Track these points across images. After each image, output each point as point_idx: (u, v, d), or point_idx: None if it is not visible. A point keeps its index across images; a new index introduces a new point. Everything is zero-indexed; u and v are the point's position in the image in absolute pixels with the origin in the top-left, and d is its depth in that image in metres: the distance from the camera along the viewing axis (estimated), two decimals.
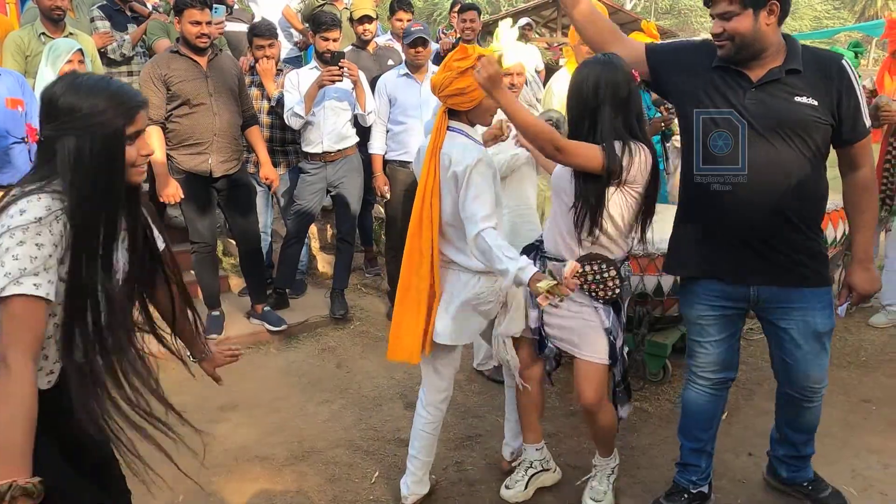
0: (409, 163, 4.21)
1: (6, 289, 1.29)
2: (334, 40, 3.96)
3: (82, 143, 1.38)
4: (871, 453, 2.87)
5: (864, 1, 32.61)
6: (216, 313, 4.01)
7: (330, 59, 3.86)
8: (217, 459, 2.84)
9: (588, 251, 2.27)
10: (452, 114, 2.31)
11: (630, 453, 2.90)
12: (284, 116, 4.04)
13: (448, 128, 2.31)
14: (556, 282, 1.98)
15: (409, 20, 4.92)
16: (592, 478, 2.58)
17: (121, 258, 1.53)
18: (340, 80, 3.88)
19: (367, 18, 4.56)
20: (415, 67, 4.15)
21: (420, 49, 4.06)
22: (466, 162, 2.20)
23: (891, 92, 4.02)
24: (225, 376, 2.00)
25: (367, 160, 4.32)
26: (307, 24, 4.79)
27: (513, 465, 2.75)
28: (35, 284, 1.31)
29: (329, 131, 4.08)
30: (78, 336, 1.41)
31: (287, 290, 4.37)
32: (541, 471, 2.67)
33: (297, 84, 4.02)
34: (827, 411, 3.23)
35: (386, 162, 4.29)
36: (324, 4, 5.01)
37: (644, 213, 2.29)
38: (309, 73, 4.05)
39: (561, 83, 3.69)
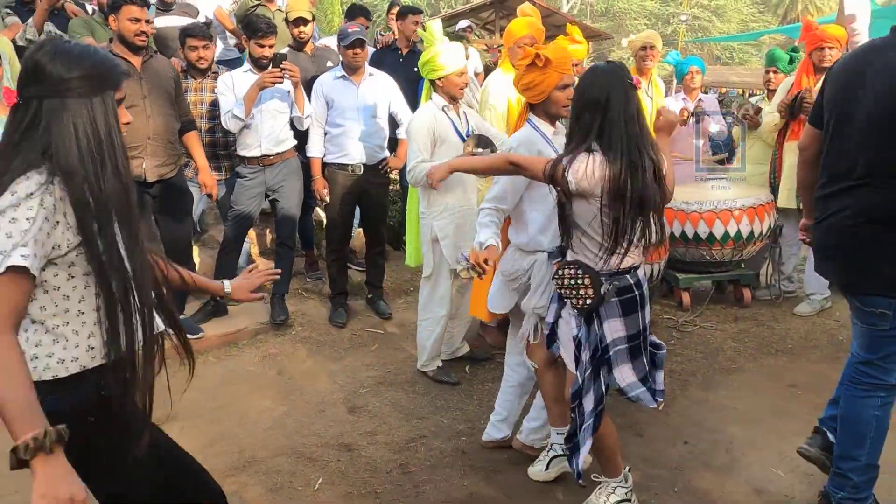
0: (348, 165, 4.18)
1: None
2: (270, 46, 3.89)
3: (77, 107, 1.38)
4: (798, 436, 2.98)
5: (787, 5, 34.15)
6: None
7: (271, 61, 3.81)
8: None
9: (573, 257, 2.27)
10: (531, 107, 2.63)
11: None
12: (221, 119, 3.94)
13: (527, 119, 2.63)
14: (470, 265, 2.31)
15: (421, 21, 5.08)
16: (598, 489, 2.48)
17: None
18: (281, 82, 3.83)
19: (301, 20, 4.51)
20: (352, 69, 4.12)
21: (358, 50, 4.03)
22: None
23: (811, 91, 4.22)
24: (160, 386, 1.94)
25: (305, 163, 4.27)
26: (240, 25, 4.70)
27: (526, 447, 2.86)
28: (22, 255, 1.30)
29: (267, 134, 4.01)
30: (117, 312, 1.42)
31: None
32: (561, 455, 2.64)
33: (231, 87, 3.94)
34: (756, 398, 3.40)
35: (325, 165, 4.25)
36: (257, 6, 4.93)
37: (625, 229, 2.13)
38: (243, 77, 3.97)
39: (497, 84, 3.73)
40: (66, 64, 1.38)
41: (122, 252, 1.43)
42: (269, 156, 4.04)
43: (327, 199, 4.24)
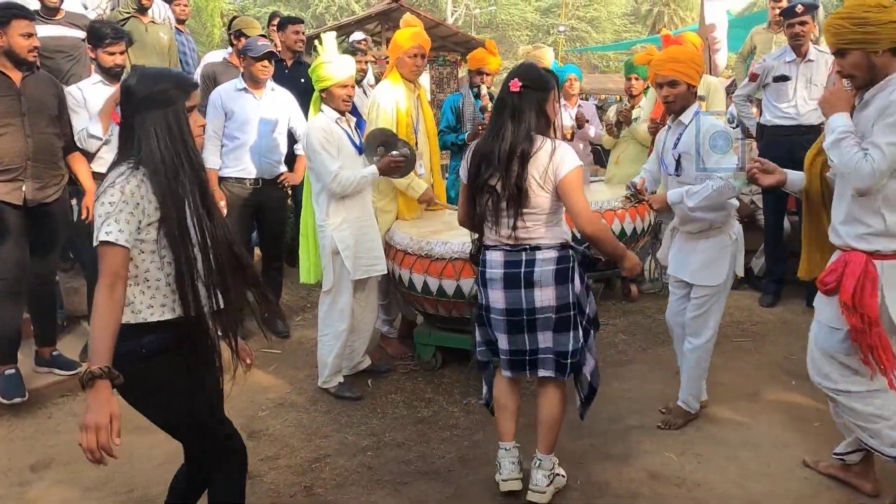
0: (245, 179, 4.04)
1: (96, 238, 1.70)
2: (121, 53, 3.64)
3: (156, 116, 1.78)
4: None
5: (655, 16, 36.61)
6: (10, 371, 3.38)
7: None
8: None
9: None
10: None
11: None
12: (76, 139, 3.56)
13: None
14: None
15: (302, 32, 5.04)
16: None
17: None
18: None
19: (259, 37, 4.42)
20: (255, 82, 4.01)
21: (268, 64, 3.95)
22: None
23: None
24: (35, 429, 1.83)
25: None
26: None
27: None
28: (107, 232, 1.69)
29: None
30: (187, 282, 1.77)
31: None
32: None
33: (82, 102, 3.58)
34: (647, 386, 3.57)
35: (221, 178, 4.09)
36: (128, 18, 4.66)
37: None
38: (94, 89, 3.63)
39: (384, 94, 3.72)
40: (146, 84, 1.79)
41: (194, 231, 1.79)
42: None
43: (223, 212, 4.07)
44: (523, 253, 2.43)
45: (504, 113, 2.41)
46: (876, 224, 2.24)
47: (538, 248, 2.43)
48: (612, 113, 5.12)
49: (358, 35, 8.46)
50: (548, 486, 2.58)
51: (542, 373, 2.53)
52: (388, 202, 3.82)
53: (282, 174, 4.18)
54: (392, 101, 3.67)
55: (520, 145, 2.35)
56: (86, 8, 4.81)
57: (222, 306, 1.85)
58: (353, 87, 3.42)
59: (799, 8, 4.34)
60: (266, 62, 3.95)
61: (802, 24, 4.35)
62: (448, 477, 2.79)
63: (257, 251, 4.83)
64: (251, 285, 1.97)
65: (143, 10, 4.72)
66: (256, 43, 3.98)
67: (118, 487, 2.79)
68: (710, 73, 4.96)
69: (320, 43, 3.38)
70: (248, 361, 2.06)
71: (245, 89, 4.02)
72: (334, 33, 3.65)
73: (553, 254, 2.43)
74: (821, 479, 2.69)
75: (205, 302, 1.81)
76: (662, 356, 3.94)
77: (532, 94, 2.39)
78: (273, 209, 4.22)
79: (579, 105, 5.23)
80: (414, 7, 16.85)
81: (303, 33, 5.10)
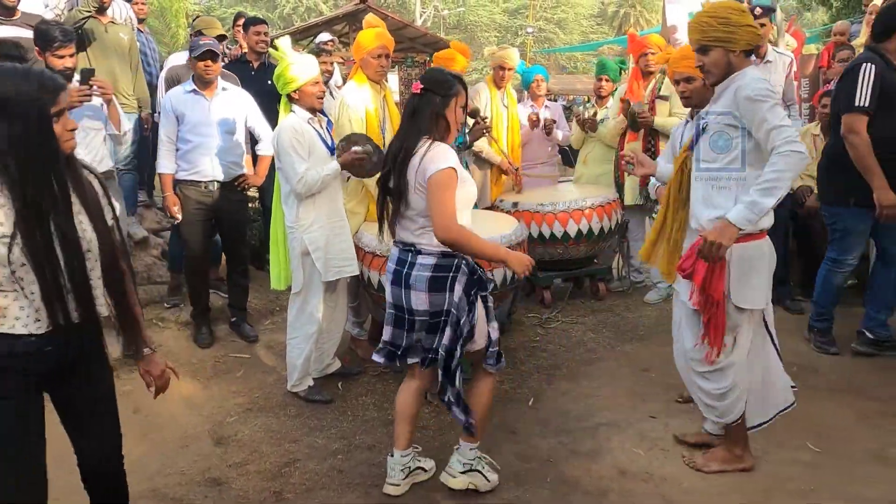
0: (200, 182, 3.99)
1: None
2: (70, 56, 3.56)
3: (10, 124, 1.62)
4: (654, 416, 3.22)
5: (621, 17, 37.06)
6: None
7: (80, 75, 3.51)
8: None
9: None
10: None
11: None
12: None
13: None
14: None
15: (265, 33, 4.98)
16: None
17: (87, 228, 1.79)
18: (90, 100, 3.53)
19: (219, 37, 4.44)
20: (203, 83, 3.95)
21: (210, 63, 3.87)
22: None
23: (640, 97, 4.58)
24: None
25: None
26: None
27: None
28: None
29: (83, 155, 3.67)
30: (49, 292, 1.70)
31: None
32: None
33: None
34: (616, 383, 3.61)
35: (178, 181, 4.03)
36: (87, 18, 4.56)
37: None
38: None
39: (352, 95, 3.70)
40: (4, 86, 1.64)
41: (56, 243, 1.69)
42: None
43: (178, 216, 4.02)
44: (409, 254, 2.46)
45: (405, 114, 2.48)
46: (728, 207, 2.39)
47: (420, 252, 2.44)
48: (581, 109, 5.18)
49: (325, 36, 8.38)
50: (461, 473, 2.61)
51: (409, 360, 2.59)
52: (356, 203, 3.80)
53: (241, 175, 4.13)
54: (360, 102, 3.65)
55: (405, 147, 2.41)
56: (46, 7, 4.70)
57: (78, 320, 1.76)
58: (322, 84, 3.41)
59: (757, 10, 4.43)
60: (209, 62, 3.87)
61: (761, 25, 4.44)
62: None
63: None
64: (117, 298, 1.88)
65: (102, 9, 4.62)
66: (198, 42, 3.91)
67: (80, 499, 2.71)
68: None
69: (276, 48, 3.36)
70: (158, 385, 2.07)
71: (195, 91, 3.95)
72: (288, 36, 3.61)
73: (431, 260, 2.42)
74: (783, 471, 2.75)
75: (61, 315, 1.73)
76: (631, 353, 4.00)
77: (431, 98, 2.41)
78: (232, 212, 4.14)
79: (546, 106, 5.27)
80: (382, 8, 16.82)
81: (265, 34, 5.05)
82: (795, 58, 5.31)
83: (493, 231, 3.59)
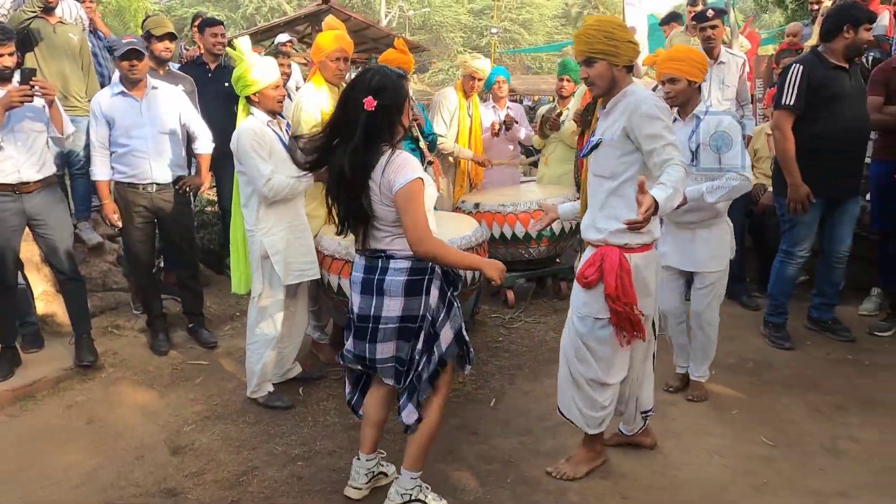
0: (138, 185, 3.91)
1: None
2: (10, 55, 3.45)
3: None
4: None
5: (584, 19, 37.51)
6: None
7: (21, 74, 3.41)
8: None
9: None
10: None
11: None
12: None
13: None
14: None
15: (221, 34, 4.92)
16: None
17: None
18: (31, 101, 3.43)
19: (168, 36, 4.31)
20: (131, 83, 3.84)
21: (135, 62, 3.76)
22: None
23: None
24: None
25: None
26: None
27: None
28: None
29: (25, 159, 3.57)
30: None
31: (17, 345, 3.80)
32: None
33: None
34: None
35: (116, 184, 3.94)
36: (33, 18, 4.43)
37: None
38: None
39: (309, 98, 3.66)
40: None
41: None
42: (29, 182, 3.57)
43: (118, 223, 3.93)
44: (379, 261, 2.38)
45: (358, 132, 2.28)
46: (626, 215, 2.42)
47: (392, 257, 2.37)
48: (542, 111, 5.20)
49: (283, 37, 8.26)
50: None
51: (385, 381, 2.49)
52: (316, 206, 3.75)
53: (182, 177, 4.04)
54: (316, 105, 3.61)
55: (366, 164, 2.28)
56: None
57: None
58: (282, 87, 3.37)
59: (710, 13, 4.53)
60: (134, 61, 3.75)
61: (714, 27, 4.54)
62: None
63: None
64: None
65: (48, 9, 4.47)
66: (121, 42, 3.81)
67: None
68: (633, 75, 5.10)
69: (234, 48, 3.30)
70: None
71: (123, 93, 3.85)
72: (248, 37, 3.54)
73: (405, 264, 2.35)
74: (738, 465, 2.81)
75: None
76: None
77: (387, 111, 2.28)
78: (174, 215, 4.03)
79: (508, 107, 5.29)
80: (346, 8, 16.69)
81: (222, 35, 4.97)
82: (749, 59, 5.43)
83: (455, 232, 3.59)
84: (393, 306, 2.36)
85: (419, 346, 2.38)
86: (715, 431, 3.08)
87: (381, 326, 2.39)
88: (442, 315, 2.40)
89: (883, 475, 2.72)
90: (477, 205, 4.65)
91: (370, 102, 2.25)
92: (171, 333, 4.27)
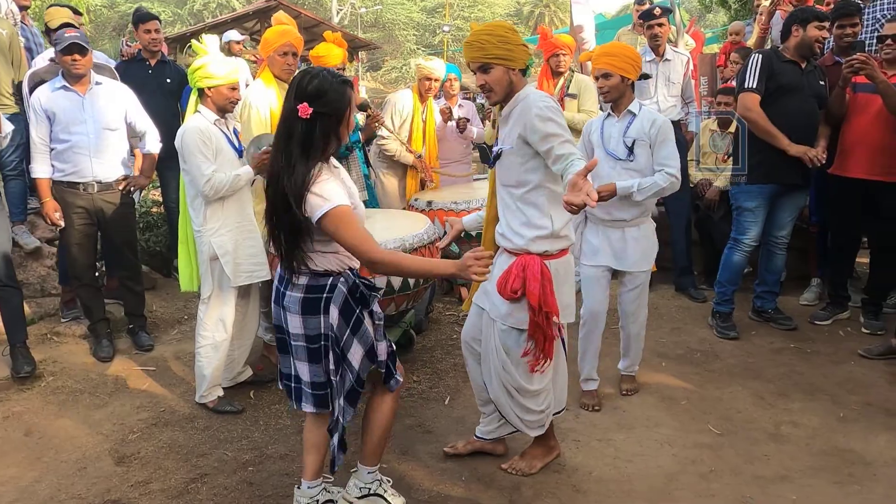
0: (79, 184, 3.78)
1: None
2: None
3: None
4: (567, 408, 3.27)
5: (536, 17, 37.91)
6: None
7: None
8: None
9: None
10: None
11: None
12: None
13: None
14: None
15: (156, 30, 4.80)
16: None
17: None
18: None
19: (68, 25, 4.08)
20: (74, 78, 3.71)
21: (77, 57, 3.63)
22: None
23: (549, 93, 4.67)
24: None
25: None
26: None
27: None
28: None
29: None
30: None
31: None
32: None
33: None
34: None
35: (55, 183, 3.80)
36: None
37: None
38: None
39: (257, 95, 3.58)
40: None
41: None
42: None
43: (60, 223, 3.79)
44: (286, 273, 2.26)
45: (294, 141, 2.10)
46: (546, 225, 2.46)
47: (294, 272, 2.22)
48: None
49: (235, 35, 8.04)
50: (359, 498, 2.47)
51: (305, 408, 2.37)
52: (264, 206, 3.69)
53: (126, 176, 3.92)
54: (265, 102, 3.54)
55: (296, 181, 2.07)
56: None
57: None
58: (238, 92, 3.31)
59: (656, 11, 4.63)
60: (76, 55, 3.63)
61: (660, 25, 4.63)
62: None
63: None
64: None
65: None
66: (63, 35, 3.67)
67: None
68: (581, 73, 5.17)
69: (201, 41, 3.22)
70: None
71: (65, 87, 3.72)
72: (217, 37, 3.45)
73: (304, 280, 2.21)
74: (687, 454, 2.87)
75: None
76: None
77: (325, 119, 2.10)
78: (116, 215, 3.90)
79: (460, 104, 5.28)
80: (297, 5, 16.46)
81: (157, 31, 4.82)
82: (694, 58, 5.55)
83: (406, 230, 3.56)
84: (295, 324, 2.25)
85: (331, 366, 2.25)
86: (664, 422, 3.14)
87: (292, 342, 2.30)
88: (346, 334, 2.23)
89: (822, 458, 2.82)
90: (429, 202, 4.63)
91: (304, 109, 2.05)
92: (116, 339, 4.13)
